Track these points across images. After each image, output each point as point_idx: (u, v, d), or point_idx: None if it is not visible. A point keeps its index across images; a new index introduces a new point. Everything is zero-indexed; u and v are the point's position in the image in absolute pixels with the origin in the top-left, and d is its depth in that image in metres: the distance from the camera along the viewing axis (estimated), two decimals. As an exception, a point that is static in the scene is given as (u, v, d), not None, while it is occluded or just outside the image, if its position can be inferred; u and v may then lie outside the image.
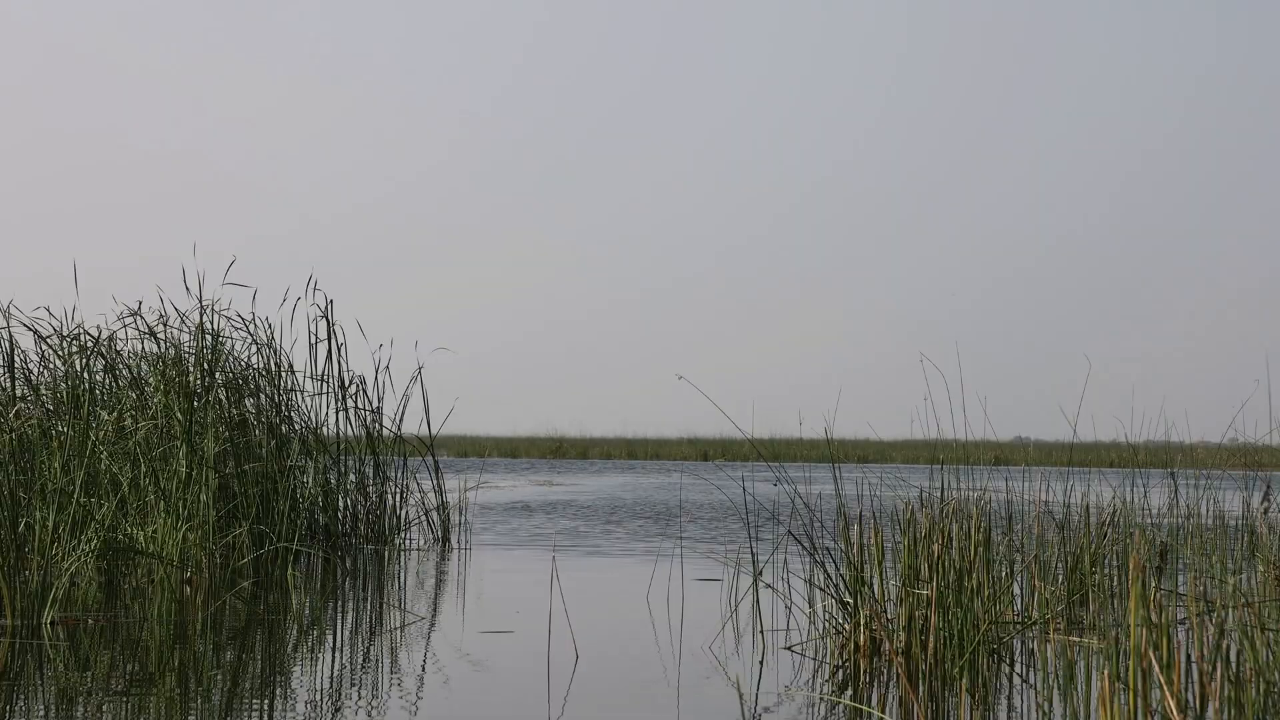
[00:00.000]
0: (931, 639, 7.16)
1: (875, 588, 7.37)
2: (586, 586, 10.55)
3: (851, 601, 7.38)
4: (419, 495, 14.70)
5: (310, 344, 13.96)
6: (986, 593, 7.16)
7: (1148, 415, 11.44)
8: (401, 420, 14.53)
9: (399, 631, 8.28)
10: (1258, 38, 59.76)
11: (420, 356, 14.54)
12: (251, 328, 13.57)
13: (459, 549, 13.91)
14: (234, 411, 13.15)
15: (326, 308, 14.06)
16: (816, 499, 10.48)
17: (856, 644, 7.36)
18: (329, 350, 14.02)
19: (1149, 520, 10.22)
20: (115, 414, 11.93)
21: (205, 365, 12.87)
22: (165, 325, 13.09)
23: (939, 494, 7.62)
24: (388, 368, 14.48)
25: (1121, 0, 60.34)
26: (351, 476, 14.11)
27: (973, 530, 7.23)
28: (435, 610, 9.35)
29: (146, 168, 59.66)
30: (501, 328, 58.80)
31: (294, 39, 62.71)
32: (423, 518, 14.70)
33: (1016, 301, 61.44)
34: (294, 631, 8.49)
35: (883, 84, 63.58)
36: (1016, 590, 8.12)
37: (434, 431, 14.64)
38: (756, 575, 8.06)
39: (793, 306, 66.50)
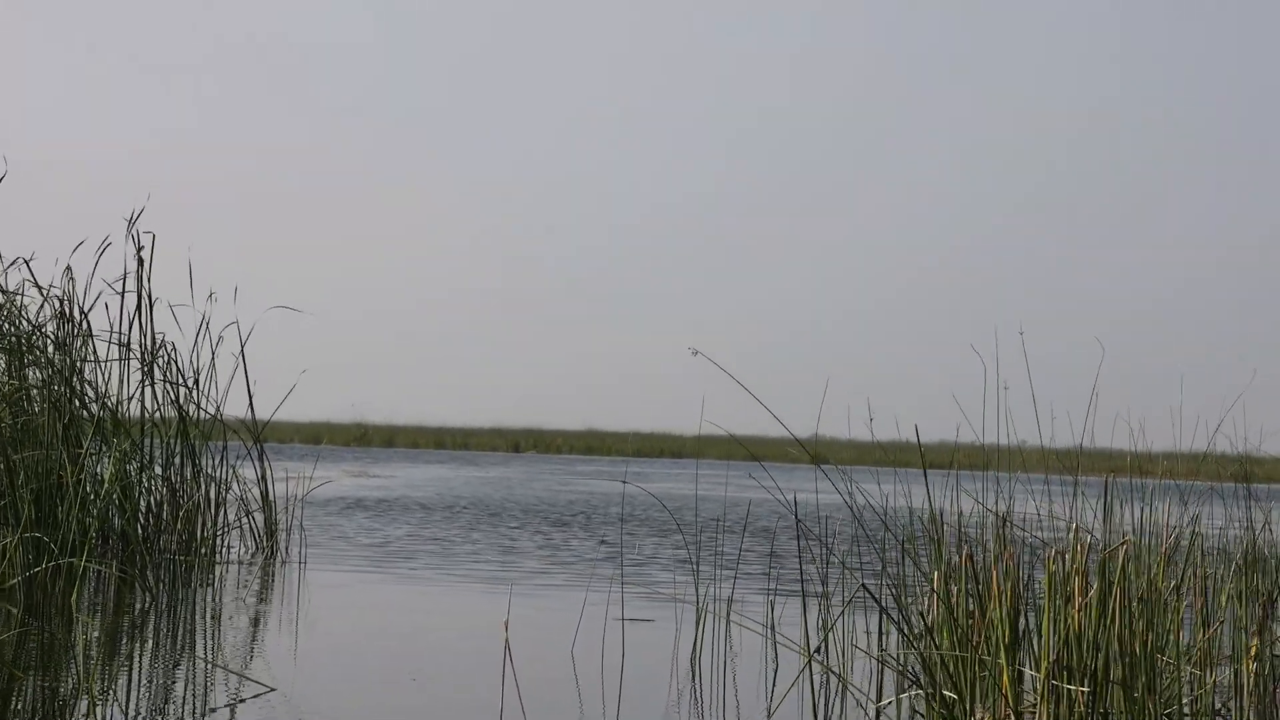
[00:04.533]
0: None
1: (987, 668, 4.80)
2: (482, 626, 7.89)
3: (955, 696, 4.82)
4: (238, 491, 11.83)
5: (121, 299, 11.06)
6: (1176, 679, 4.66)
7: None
8: (224, 397, 11.68)
9: (237, 707, 5.56)
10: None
11: (240, 313, 11.66)
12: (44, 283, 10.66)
13: (291, 562, 11.09)
14: (12, 383, 10.24)
15: (140, 252, 11.16)
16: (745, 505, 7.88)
17: (969, 764, 4.78)
18: (137, 305, 11.10)
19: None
20: None
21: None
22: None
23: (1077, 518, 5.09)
24: (206, 328, 11.58)
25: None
26: (157, 467, 11.20)
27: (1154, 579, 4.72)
28: (278, 666, 6.59)
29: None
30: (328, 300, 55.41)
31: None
32: (243, 520, 11.83)
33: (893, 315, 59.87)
34: (77, 693, 5.71)
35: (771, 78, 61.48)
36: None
37: (257, 411, 11.82)
38: (810, 655, 5.43)
39: (622, 306, 64.24)
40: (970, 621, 4.78)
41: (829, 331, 59.25)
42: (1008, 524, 5.72)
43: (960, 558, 5.01)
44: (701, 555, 10.92)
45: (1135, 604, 4.67)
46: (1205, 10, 58.42)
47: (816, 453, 6.21)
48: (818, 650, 5.53)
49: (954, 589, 4.98)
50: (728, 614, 7.63)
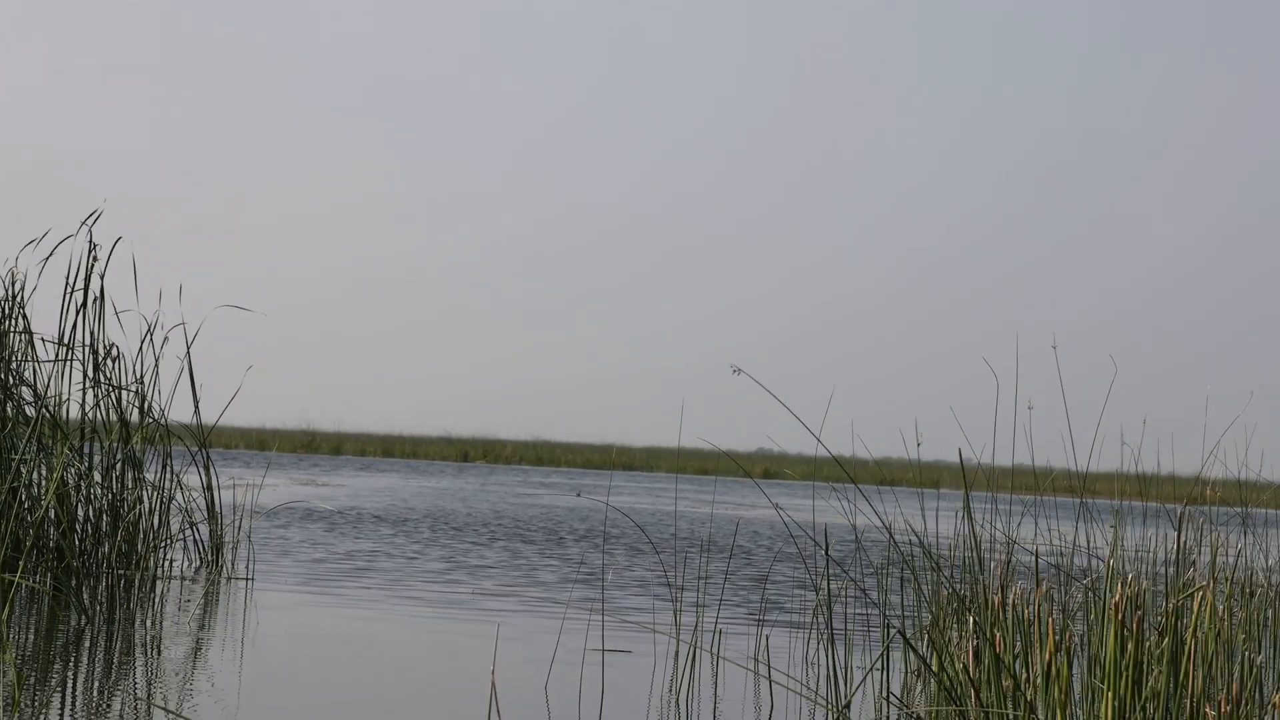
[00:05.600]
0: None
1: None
2: (449, 655, 7.27)
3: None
4: (182, 501, 11.10)
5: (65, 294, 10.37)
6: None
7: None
8: (169, 401, 10.98)
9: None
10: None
11: (187, 311, 10.97)
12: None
13: (237, 579, 10.40)
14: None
15: (93, 251, 10.49)
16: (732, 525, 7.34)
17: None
18: (83, 303, 10.42)
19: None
20: None
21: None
22: None
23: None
24: (152, 328, 10.89)
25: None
26: (97, 475, 10.50)
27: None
28: (223, 703, 5.94)
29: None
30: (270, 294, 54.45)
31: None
32: (187, 531, 11.10)
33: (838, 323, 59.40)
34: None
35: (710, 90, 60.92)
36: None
37: (204, 417, 11.15)
38: (840, 710, 4.82)
39: (562, 311, 63.57)
40: (1024, 675, 4.19)
41: (785, 341, 58.76)
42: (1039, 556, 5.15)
43: (1005, 599, 4.43)
44: (676, 578, 10.31)
45: (1214, 656, 4.09)
46: (1204, 7, 58.22)
47: (810, 470, 5.68)
48: (846, 706, 4.92)
49: (998, 633, 4.39)
50: (714, 647, 7.03)
